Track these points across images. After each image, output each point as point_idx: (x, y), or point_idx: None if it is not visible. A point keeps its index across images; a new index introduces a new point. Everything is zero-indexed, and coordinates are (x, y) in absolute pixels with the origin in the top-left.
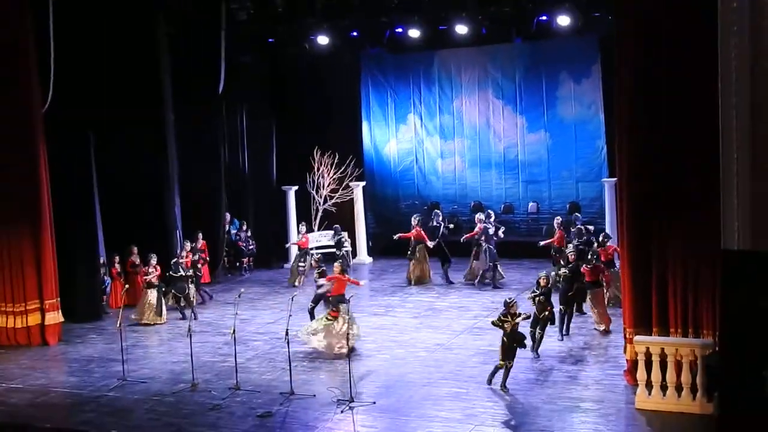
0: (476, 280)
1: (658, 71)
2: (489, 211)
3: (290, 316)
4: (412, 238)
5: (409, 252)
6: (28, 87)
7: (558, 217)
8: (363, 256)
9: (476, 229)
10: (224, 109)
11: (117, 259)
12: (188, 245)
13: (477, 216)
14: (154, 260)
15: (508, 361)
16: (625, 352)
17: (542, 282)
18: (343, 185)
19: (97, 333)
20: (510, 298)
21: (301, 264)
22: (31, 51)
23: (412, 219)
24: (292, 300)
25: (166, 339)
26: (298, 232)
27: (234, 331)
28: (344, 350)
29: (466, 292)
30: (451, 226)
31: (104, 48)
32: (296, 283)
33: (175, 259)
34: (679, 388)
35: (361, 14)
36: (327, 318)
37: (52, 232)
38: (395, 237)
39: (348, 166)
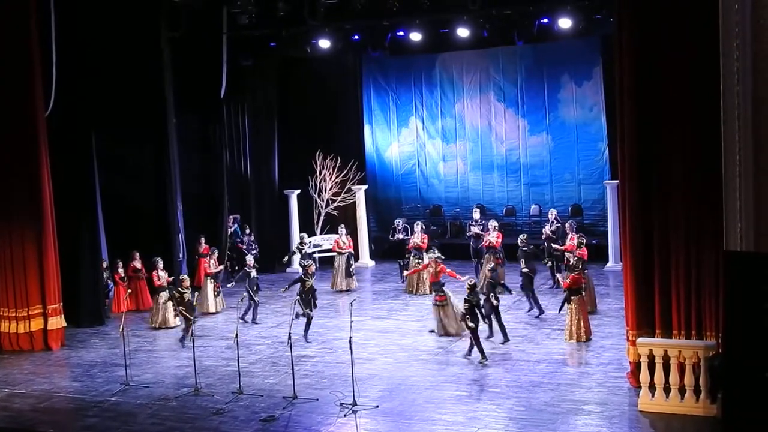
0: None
1: (659, 72)
2: (476, 209)
3: (293, 320)
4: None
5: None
6: (31, 91)
7: (570, 221)
8: (365, 260)
9: (497, 238)
10: (226, 113)
11: (120, 263)
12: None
13: (491, 223)
14: (160, 264)
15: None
16: (628, 354)
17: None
18: (345, 189)
19: (99, 338)
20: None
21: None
22: (35, 54)
23: (416, 225)
24: (295, 304)
25: (169, 344)
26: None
27: (237, 335)
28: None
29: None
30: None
31: (106, 51)
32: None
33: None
34: (682, 390)
35: (363, 17)
36: (438, 304)
37: (54, 236)
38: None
39: (350, 169)
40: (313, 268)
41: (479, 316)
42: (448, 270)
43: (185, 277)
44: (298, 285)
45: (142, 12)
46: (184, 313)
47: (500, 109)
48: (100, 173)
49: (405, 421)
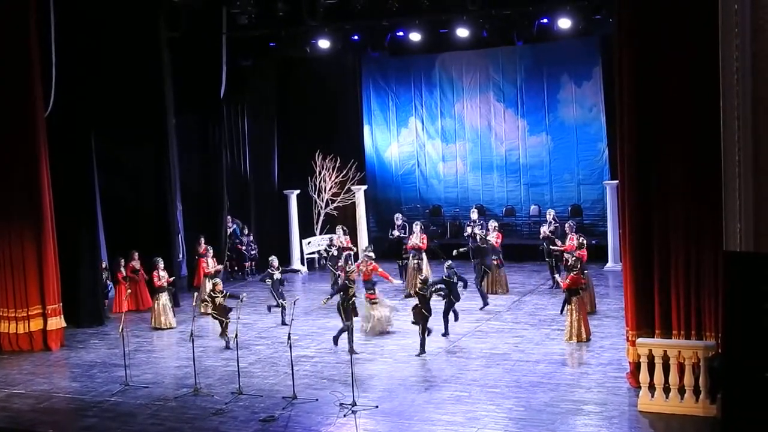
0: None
1: (659, 72)
2: (473, 210)
3: (292, 320)
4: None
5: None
6: (31, 91)
7: (570, 222)
8: None
9: (497, 239)
10: (226, 113)
11: (122, 263)
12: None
13: (491, 223)
14: (161, 264)
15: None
16: (627, 354)
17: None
18: (345, 189)
19: (99, 338)
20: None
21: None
22: (35, 54)
23: (415, 225)
24: (294, 304)
25: (169, 344)
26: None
27: (236, 335)
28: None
29: (468, 296)
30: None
31: (106, 51)
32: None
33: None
34: (681, 391)
35: (363, 18)
36: (369, 302)
37: (54, 236)
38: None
39: (350, 169)
40: (355, 274)
41: (430, 309)
42: (380, 270)
43: (218, 281)
44: (340, 293)
45: (141, 12)
46: (218, 317)
47: (500, 110)
48: (100, 173)
49: (405, 421)
